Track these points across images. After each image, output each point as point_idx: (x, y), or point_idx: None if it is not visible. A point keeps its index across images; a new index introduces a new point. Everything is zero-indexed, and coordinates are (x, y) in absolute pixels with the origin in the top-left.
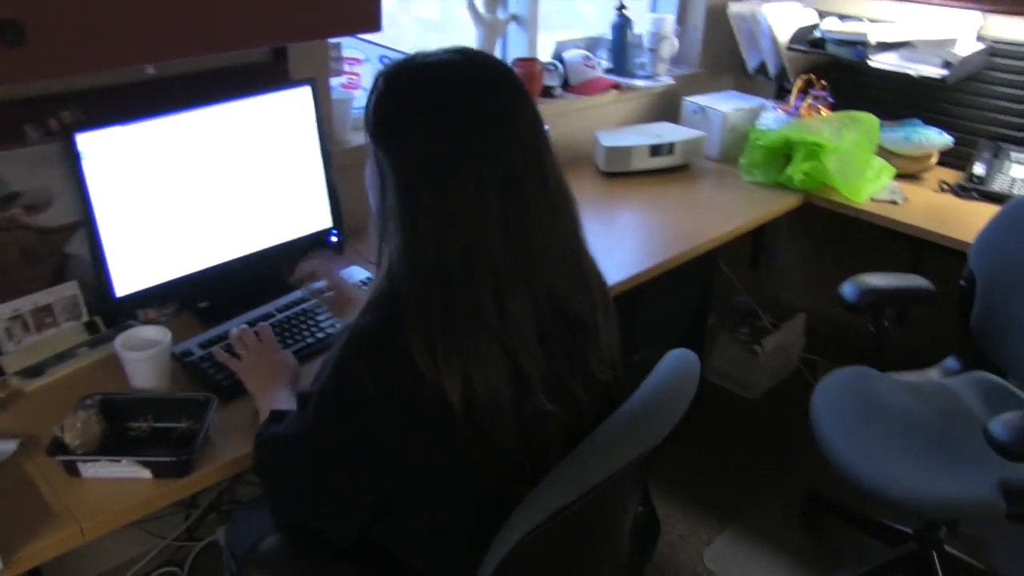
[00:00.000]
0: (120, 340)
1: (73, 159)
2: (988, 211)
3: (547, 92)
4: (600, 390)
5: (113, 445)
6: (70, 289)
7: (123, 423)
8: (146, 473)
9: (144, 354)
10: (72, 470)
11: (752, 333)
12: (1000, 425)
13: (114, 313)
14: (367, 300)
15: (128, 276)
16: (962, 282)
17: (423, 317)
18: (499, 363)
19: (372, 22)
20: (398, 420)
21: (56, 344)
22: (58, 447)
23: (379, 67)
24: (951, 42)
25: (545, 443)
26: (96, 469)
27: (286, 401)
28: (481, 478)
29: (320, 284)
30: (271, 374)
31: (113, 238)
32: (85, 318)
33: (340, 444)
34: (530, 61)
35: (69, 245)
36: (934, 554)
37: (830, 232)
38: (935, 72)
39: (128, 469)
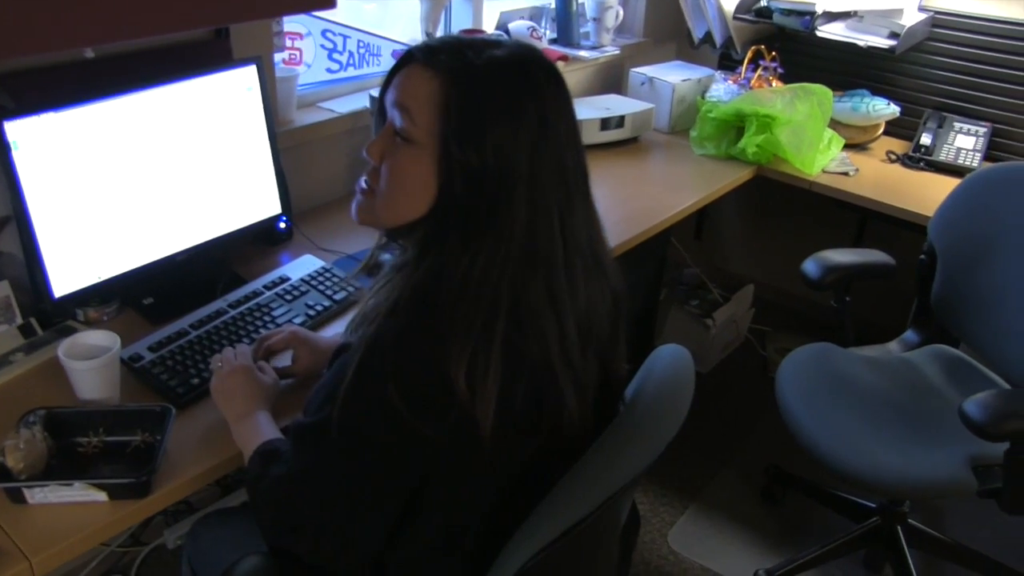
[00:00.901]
0: (64, 348)
1: (2, 149)
2: (936, 181)
3: None
4: (615, 388)
5: (61, 465)
6: (2, 290)
7: (70, 439)
8: (101, 496)
9: (92, 363)
10: (17, 497)
11: (702, 306)
12: (975, 405)
13: (52, 314)
14: (390, 303)
15: (66, 274)
16: (922, 256)
17: (483, 332)
18: (549, 370)
19: None
20: (422, 437)
21: None
22: (0, 473)
23: (323, 41)
24: (897, 12)
25: (566, 455)
26: (45, 494)
27: (267, 427)
28: (499, 493)
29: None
30: (243, 396)
31: (49, 234)
32: (19, 321)
33: (361, 468)
34: (476, 33)
35: None
36: (899, 528)
37: (772, 201)
38: (883, 42)
39: (81, 493)
